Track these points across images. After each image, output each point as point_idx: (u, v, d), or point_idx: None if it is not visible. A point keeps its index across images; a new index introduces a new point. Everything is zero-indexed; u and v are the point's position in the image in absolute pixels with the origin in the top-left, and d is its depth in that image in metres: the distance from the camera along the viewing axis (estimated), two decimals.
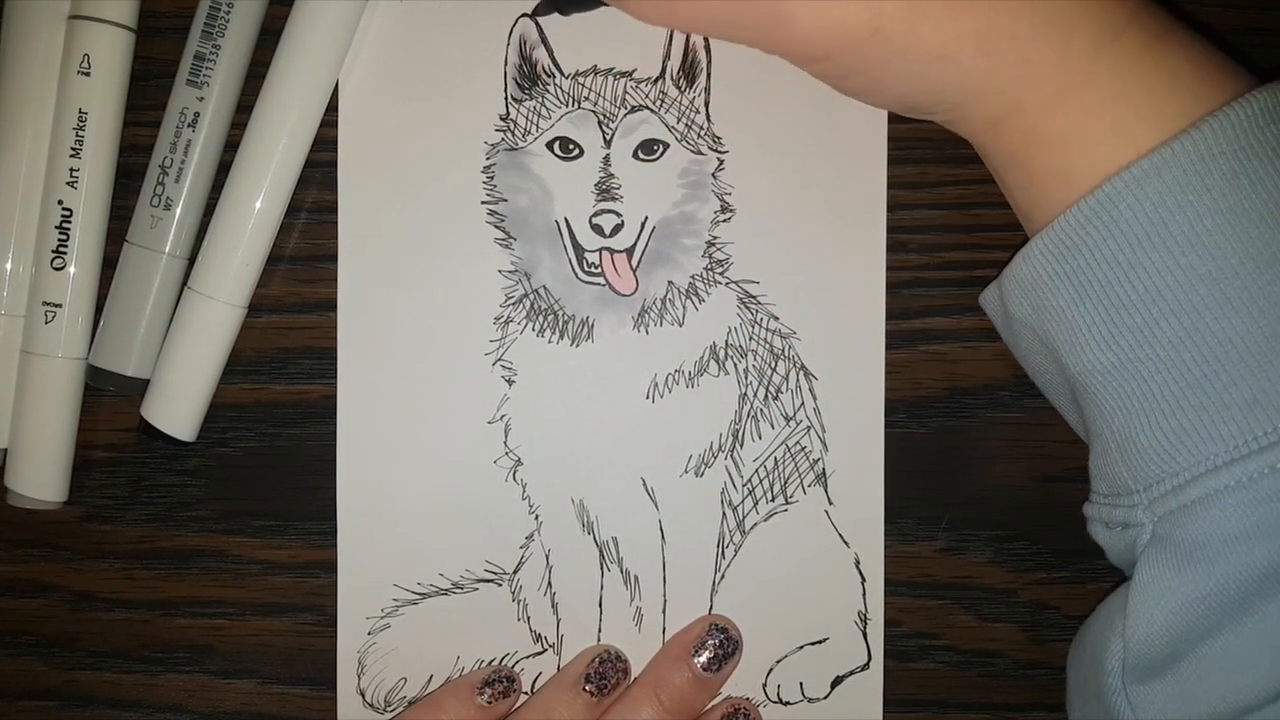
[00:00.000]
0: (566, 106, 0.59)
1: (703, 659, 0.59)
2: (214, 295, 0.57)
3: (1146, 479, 0.48)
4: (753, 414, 0.60)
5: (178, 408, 0.58)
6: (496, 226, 0.59)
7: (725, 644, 0.60)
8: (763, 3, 0.45)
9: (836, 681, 0.61)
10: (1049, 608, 0.62)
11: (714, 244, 0.60)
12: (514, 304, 0.60)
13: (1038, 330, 0.51)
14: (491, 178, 0.59)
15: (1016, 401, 0.61)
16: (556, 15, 0.58)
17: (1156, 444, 0.48)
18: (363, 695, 0.61)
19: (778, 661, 0.61)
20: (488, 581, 0.61)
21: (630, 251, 0.59)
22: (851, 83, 0.50)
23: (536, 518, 0.60)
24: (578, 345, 0.60)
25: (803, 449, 0.60)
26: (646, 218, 0.59)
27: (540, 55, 0.59)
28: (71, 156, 0.57)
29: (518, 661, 0.61)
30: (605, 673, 0.60)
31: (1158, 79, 0.47)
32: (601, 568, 0.61)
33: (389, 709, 0.61)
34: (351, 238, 0.60)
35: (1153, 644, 0.48)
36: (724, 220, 0.60)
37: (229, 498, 0.61)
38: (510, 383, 0.60)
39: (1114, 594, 0.52)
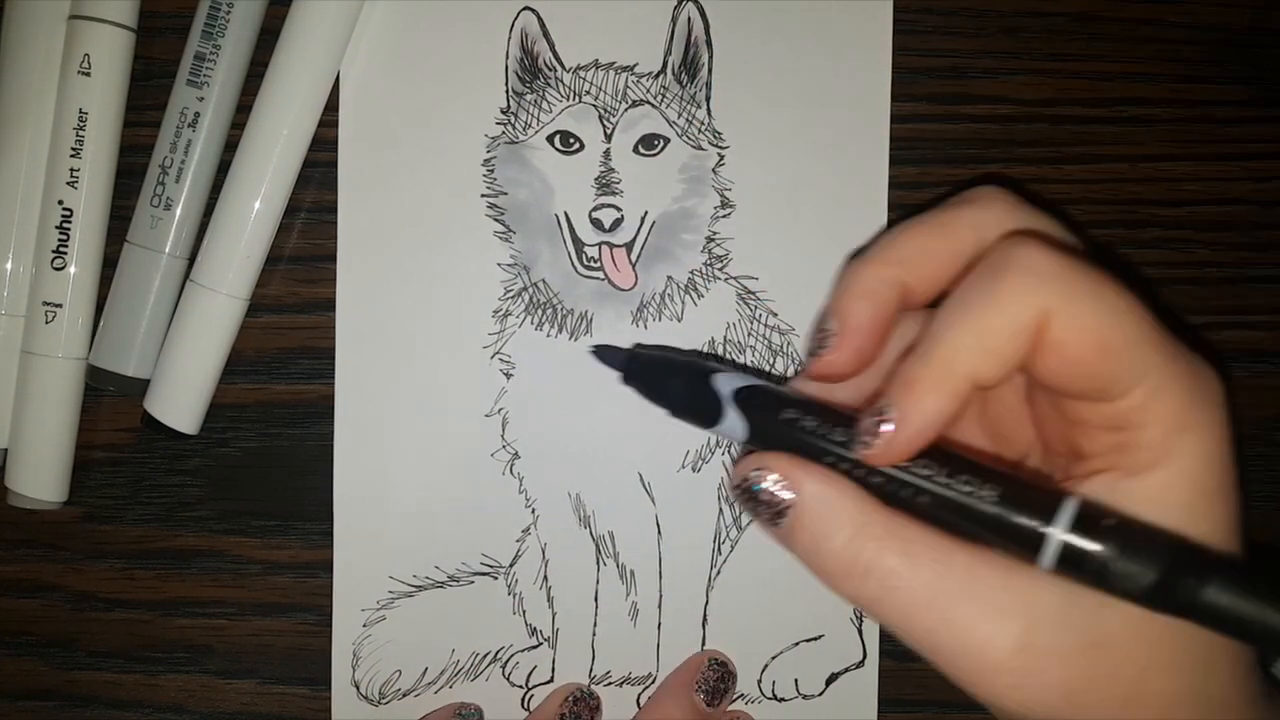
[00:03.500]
0: (567, 100, 0.59)
1: (702, 694, 0.60)
2: (216, 288, 0.57)
3: None
4: None
5: (180, 401, 0.58)
6: (496, 220, 0.59)
7: (725, 678, 0.60)
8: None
9: (831, 678, 0.61)
10: None
11: (713, 239, 0.60)
12: (513, 297, 0.60)
13: None
14: (492, 171, 0.59)
15: None
16: (559, 10, 0.59)
17: None
18: (357, 687, 0.61)
19: (773, 658, 0.61)
20: (484, 574, 0.61)
21: (630, 246, 0.59)
22: None
23: (533, 511, 0.60)
24: (576, 339, 0.60)
25: None
26: (646, 212, 0.59)
27: (542, 49, 0.59)
28: (71, 156, 0.57)
29: (513, 655, 0.61)
30: (579, 712, 0.60)
31: None
32: (598, 562, 0.61)
33: (383, 701, 0.61)
34: (351, 225, 0.60)
35: None
36: (724, 216, 0.60)
37: (229, 498, 0.61)
38: (508, 376, 0.60)
39: None
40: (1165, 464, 0.40)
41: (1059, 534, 0.39)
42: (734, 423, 0.46)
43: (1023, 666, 0.40)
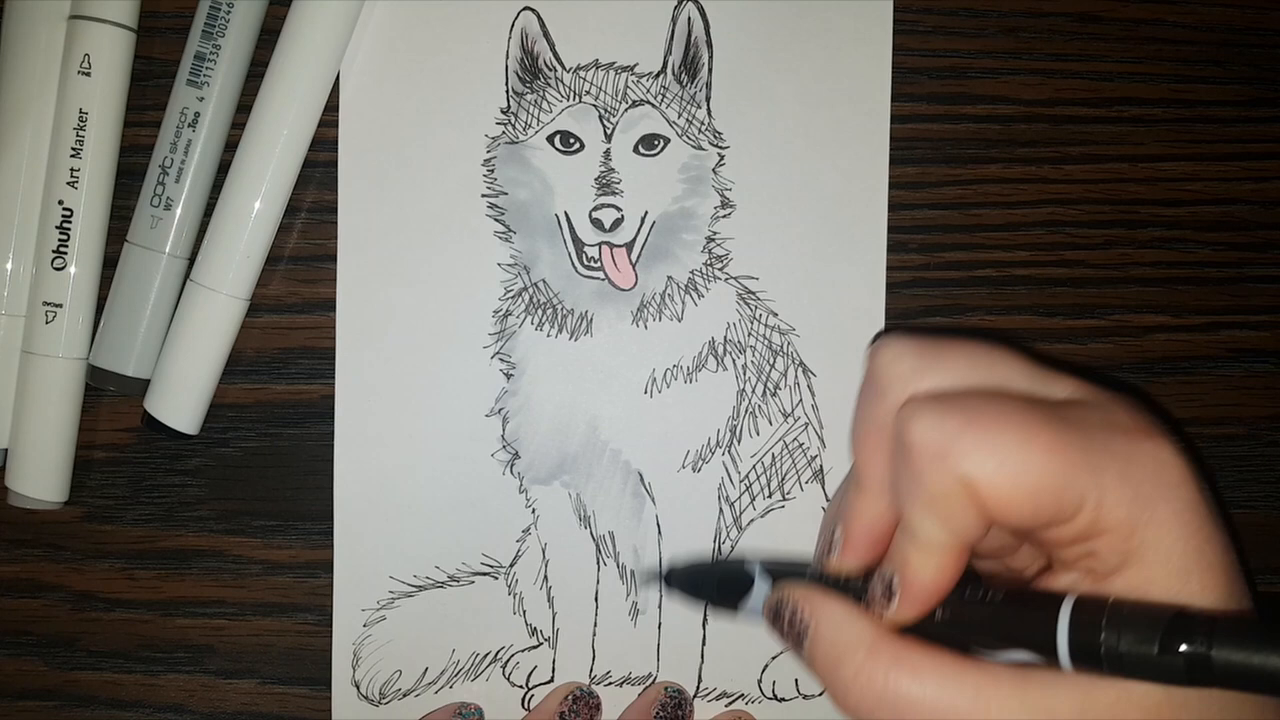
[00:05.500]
0: (567, 100, 0.59)
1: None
2: (216, 288, 0.57)
3: None
4: (751, 410, 0.60)
5: (180, 401, 0.58)
6: (496, 220, 0.60)
7: (681, 705, 0.60)
8: None
9: None
10: None
11: (714, 240, 0.60)
12: (513, 297, 0.60)
13: None
14: (492, 171, 0.59)
15: None
16: (559, 10, 0.59)
17: None
18: (357, 687, 0.60)
19: (773, 658, 0.61)
20: (484, 574, 0.61)
21: (630, 246, 0.59)
22: None
23: (533, 511, 0.60)
24: (576, 339, 0.60)
25: (800, 446, 0.60)
26: (646, 212, 0.59)
27: (542, 49, 0.59)
28: (72, 156, 0.57)
29: (513, 655, 0.61)
30: (579, 711, 0.60)
31: None
32: (598, 562, 0.61)
33: (384, 701, 0.61)
34: (351, 225, 0.60)
35: None
36: (724, 216, 0.60)
37: (229, 498, 0.61)
38: (508, 376, 0.60)
39: None
40: (1134, 563, 0.41)
41: (1064, 631, 0.40)
42: (764, 589, 0.51)
43: None
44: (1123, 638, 0.38)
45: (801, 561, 0.52)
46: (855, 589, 0.46)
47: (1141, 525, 0.40)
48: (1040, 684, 0.41)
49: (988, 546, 0.49)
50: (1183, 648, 0.37)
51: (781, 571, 0.51)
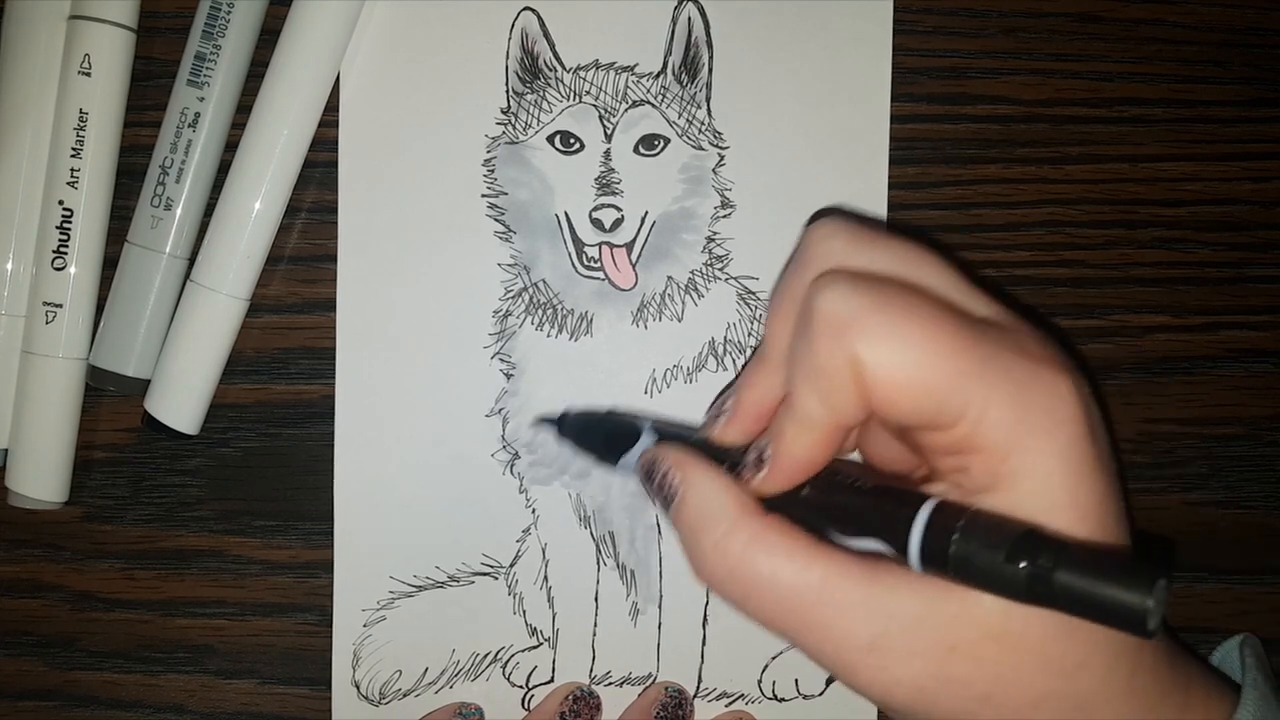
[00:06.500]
0: (568, 100, 0.59)
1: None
2: (216, 288, 0.57)
3: None
4: None
5: (180, 401, 0.58)
6: (496, 220, 0.60)
7: (682, 704, 0.60)
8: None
9: (832, 679, 0.61)
10: None
11: (714, 240, 0.60)
12: (513, 298, 0.60)
13: None
14: (492, 171, 0.59)
15: None
16: (559, 10, 0.59)
17: None
18: (357, 687, 0.60)
19: (773, 658, 0.61)
20: (484, 574, 0.61)
21: (630, 246, 0.59)
22: None
23: (534, 511, 0.60)
24: (576, 339, 0.60)
25: None
26: (646, 213, 0.59)
27: (542, 49, 0.59)
28: (72, 156, 0.57)
29: (513, 655, 0.61)
30: (579, 711, 0.60)
31: None
32: (598, 562, 0.61)
33: (384, 702, 0.61)
34: (351, 225, 0.60)
35: None
36: (724, 216, 0.60)
37: (229, 498, 0.61)
38: (509, 376, 0.60)
39: None
40: (1002, 487, 0.41)
41: (919, 529, 0.40)
42: (648, 445, 0.52)
43: (875, 664, 0.42)
44: (973, 544, 0.39)
45: (693, 427, 0.52)
46: (735, 460, 0.47)
47: (1018, 451, 0.41)
48: (886, 583, 0.42)
49: (883, 451, 0.50)
50: (1025, 564, 0.37)
51: (672, 434, 0.52)
